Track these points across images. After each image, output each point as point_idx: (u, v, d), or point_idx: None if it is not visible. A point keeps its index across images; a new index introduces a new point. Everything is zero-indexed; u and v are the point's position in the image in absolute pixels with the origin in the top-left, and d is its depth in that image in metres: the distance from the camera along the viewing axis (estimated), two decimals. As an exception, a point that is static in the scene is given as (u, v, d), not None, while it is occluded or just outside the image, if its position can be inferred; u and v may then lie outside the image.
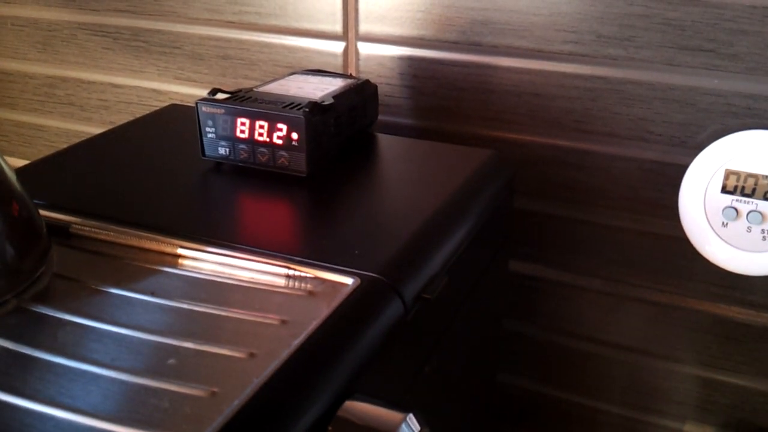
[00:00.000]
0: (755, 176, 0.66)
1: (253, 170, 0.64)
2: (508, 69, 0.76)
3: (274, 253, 0.49)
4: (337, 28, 0.82)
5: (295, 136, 0.60)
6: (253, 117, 0.61)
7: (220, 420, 0.35)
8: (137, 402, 0.36)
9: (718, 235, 0.69)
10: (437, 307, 0.52)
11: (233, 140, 0.63)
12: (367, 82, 0.72)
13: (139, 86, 0.97)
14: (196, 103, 0.63)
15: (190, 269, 0.49)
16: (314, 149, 0.62)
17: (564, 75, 0.73)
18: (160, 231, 0.52)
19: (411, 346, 0.49)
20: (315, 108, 0.61)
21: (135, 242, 0.52)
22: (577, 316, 0.83)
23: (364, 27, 0.80)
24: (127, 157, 0.68)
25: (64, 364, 0.39)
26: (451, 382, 0.62)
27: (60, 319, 0.43)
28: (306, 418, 0.36)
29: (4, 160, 0.48)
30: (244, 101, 0.63)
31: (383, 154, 0.70)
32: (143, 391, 0.37)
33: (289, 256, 0.49)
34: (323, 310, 0.43)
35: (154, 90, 0.96)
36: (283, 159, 0.62)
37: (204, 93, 0.89)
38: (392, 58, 0.80)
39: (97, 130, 1.03)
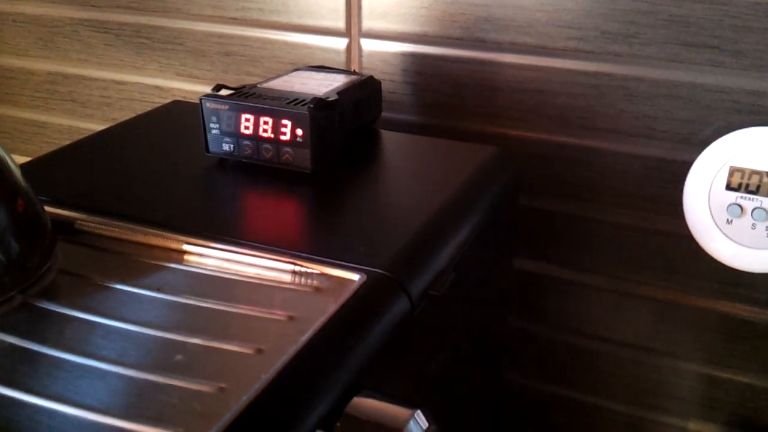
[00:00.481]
0: (760, 173, 0.66)
1: (257, 166, 0.64)
2: (512, 65, 0.75)
3: (280, 249, 0.49)
4: (340, 24, 0.81)
5: (299, 132, 0.60)
6: (258, 113, 0.61)
7: (228, 416, 0.35)
8: (146, 398, 0.36)
9: (723, 232, 0.68)
10: (443, 303, 0.52)
11: (237, 136, 0.63)
12: (370, 78, 0.72)
13: (141, 83, 0.97)
14: (200, 99, 0.63)
15: (196, 265, 0.49)
16: (319, 145, 0.62)
17: (568, 72, 0.73)
18: (166, 227, 0.52)
19: (417, 342, 0.49)
20: (319, 104, 0.61)
21: (140, 238, 0.51)
22: (582, 313, 0.83)
23: (367, 23, 0.80)
24: (130, 153, 0.68)
25: (71, 360, 0.39)
26: (456, 379, 0.62)
27: (67, 316, 0.43)
28: (314, 414, 0.36)
29: (9, 156, 0.48)
30: (248, 97, 0.63)
31: (387, 150, 0.70)
32: (151, 388, 0.37)
33: (295, 253, 0.49)
34: (330, 306, 0.43)
35: (156, 86, 0.96)
36: (287, 155, 0.61)
37: (206, 89, 0.92)
38: (395, 54, 0.80)
39: (99, 127, 1.02)
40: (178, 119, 0.77)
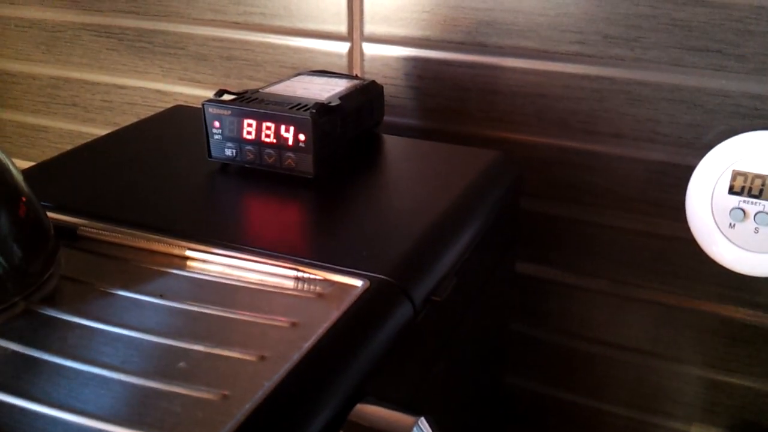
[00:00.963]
0: (763, 177, 0.65)
1: (259, 171, 0.63)
2: (514, 70, 0.75)
3: (283, 255, 0.49)
4: (342, 28, 0.81)
5: (302, 137, 0.60)
6: (260, 118, 0.61)
7: (231, 424, 0.34)
8: (148, 406, 0.36)
9: (726, 236, 0.68)
10: (446, 309, 0.52)
11: (240, 141, 0.63)
12: (373, 82, 0.72)
13: (143, 87, 0.97)
14: (203, 105, 0.63)
15: (198, 271, 0.49)
16: (321, 150, 0.61)
17: (570, 76, 0.73)
18: (168, 233, 0.52)
19: (420, 348, 0.49)
20: (322, 109, 0.61)
21: (143, 244, 0.51)
22: (584, 317, 0.82)
23: (369, 28, 0.80)
24: (133, 158, 0.67)
25: (74, 367, 0.39)
26: (458, 384, 0.61)
27: (69, 322, 0.43)
28: (317, 422, 0.36)
29: (12, 162, 0.48)
30: (250, 102, 0.63)
31: (389, 155, 0.70)
32: (154, 395, 0.37)
33: (297, 258, 0.49)
34: (333, 313, 0.43)
35: (158, 91, 0.96)
36: (290, 160, 0.61)
37: (208, 94, 0.92)
38: (397, 58, 0.80)
39: (100, 131, 1.03)
40: (181, 124, 0.77)
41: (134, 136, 0.74)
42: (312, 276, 0.47)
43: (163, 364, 0.39)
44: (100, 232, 0.53)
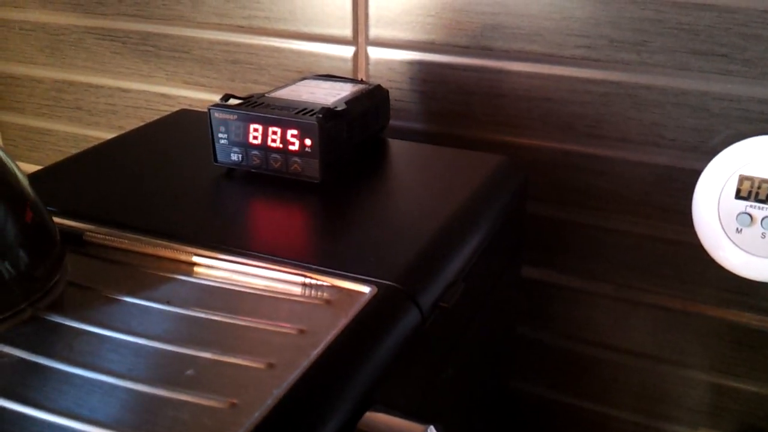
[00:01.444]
0: (769, 181, 0.65)
1: (265, 176, 0.63)
2: (520, 74, 0.75)
3: (290, 261, 0.49)
4: (347, 32, 0.81)
5: (308, 142, 0.60)
6: (266, 123, 0.61)
7: (240, 432, 0.34)
8: (156, 414, 0.36)
9: (732, 241, 0.68)
10: (453, 314, 0.51)
11: (246, 146, 0.62)
12: (378, 87, 0.71)
13: (147, 90, 0.97)
14: (209, 109, 0.63)
15: (204, 277, 0.49)
16: (327, 155, 0.61)
17: (576, 80, 0.73)
18: (174, 238, 0.52)
19: (427, 354, 0.49)
20: (328, 114, 0.61)
21: (149, 250, 0.51)
22: (589, 321, 0.82)
23: (374, 31, 0.80)
24: (138, 162, 0.67)
25: (81, 374, 0.39)
26: (465, 390, 0.61)
27: (76, 329, 0.43)
28: (326, 430, 0.36)
29: (17, 166, 0.48)
30: (256, 107, 0.62)
31: (395, 159, 0.70)
32: (162, 403, 0.37)
33: (304, 264, 0.48)
34: (341, 320, 0.43)
35: (162, 94, 0.96)
36: (296, 165, 0.61)
37: (213, 97, 0.92)
38: (402, 62, 0.80)
39: (104, 135, 1.03)
40: (186, 128, 0.77)
41: (140, 140, 0.74)
42: (319, 282, 0.47)
43: (171, 371, 0.39)
44: (106, 237, 0.53)
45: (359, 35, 0.81)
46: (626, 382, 0.83)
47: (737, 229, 0.67)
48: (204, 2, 0.87)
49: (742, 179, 0.66)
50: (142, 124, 0.95)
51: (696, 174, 0.69)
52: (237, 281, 0.48)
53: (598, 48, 0.71)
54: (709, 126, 0.70)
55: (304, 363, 0.39)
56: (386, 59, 0.81)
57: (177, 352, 0.40)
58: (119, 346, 0.41)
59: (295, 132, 0.60)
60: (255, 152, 0.62)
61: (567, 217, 0.79)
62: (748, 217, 0.66)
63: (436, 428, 0.37)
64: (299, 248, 0.52)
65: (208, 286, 0.48)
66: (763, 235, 0.67)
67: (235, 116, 0.62)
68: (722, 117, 0.69)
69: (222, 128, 0.63)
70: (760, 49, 0.65)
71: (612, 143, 0.74)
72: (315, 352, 0.39)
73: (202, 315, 0.44)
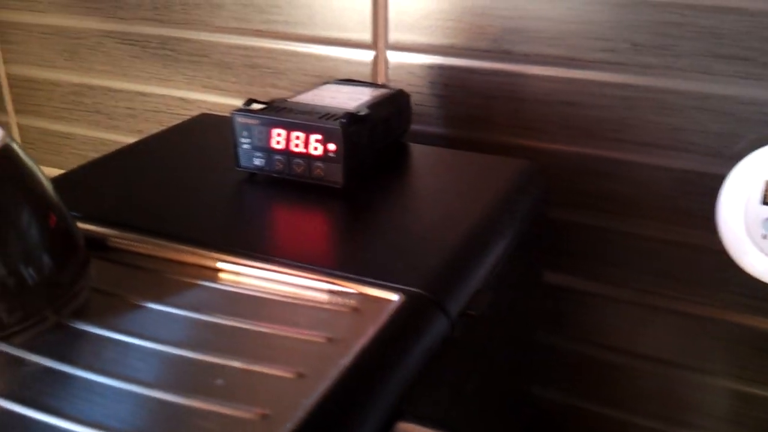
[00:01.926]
0: (796, 187, 0.65)
1: (287, 181, 0.63)
2: (540, 77, 0.75)
3: (316, 268, 0.48)
4: (367, 36, 0.81)
5: (331, 147, 0.60)
6: (289, 128, 0.61)
7: (272, 444, 0.34)
8: (187, 425, 0.35)
9: (758, 247, 0.67)
10: (479, 322, 0.51)
11: (269, 151, 0.62)
12: (400, 91, 0.71)
13: (166, 95, 0.97)
14: (232, 114, 0.63)
15: (230, 284, 0.48)
16: (351, 160, 0.61)
17: (598, 83, 0.72)
18: (199, 244, 0.52)
19: (454, 363, 0.48)
20: (352, 119, 0.60)
21: (174, 255, 0.51)
22: (609, 327, 0.82)
23: (394, 36, 0.80)
24: (161, 167, 0.67)
25: (108, 383, 0.39)
26: (490, 398, 0.61)
27: (101, 336, 0.43)
28: (358, 441, 0.35)
29: (40, 170, 0.48)
30: (279, 112, 0.62)
31: (417, 164, 0.70)
32: (191, 413, 0.36)
33: (331, 271, 0.48)
34: (369, 328, 0.42)
35: (181, 98, 0.96)
36: (318, 170, 0.61)
37: (232, 102, 0.92)
38: (422, 66, 0.80)
39: (124, 139, 1.03)
40: (207, 132, 0.77)
41: (161, 144, 0.74)
42: (346, 289, 0.47)
43: (200, 380, 0.38)
44: (131, 243, 0.52)
45: (379, 39, 0.81)
46: (646, 389, 0.83)
47: (763, 235, 0.67)
48: (223, 6, 0.87)
49: (769, 185, 0.66)
50: (160, 127, 0.95)
51: (719, 179, 0.69)
52: (263, 288, 0.48)
53: (620, 52, 0.70)
54: (732, 130, 0.69)
55: (334, 372, 0.38)
56: (406, 63, 0.80)
57: (205, 361, 0.40)
58: (146, 354, 0.41)
59: (318, 137, 0.60)
60: (278, 157, 0.62)
61: (587, 222, 0.78)
62: (774, 222, 0.66)
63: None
64: (324, 254, 0.51)
65: (234, 292, 0.47)
66: (789, 241, 0.66)
67: (258, 121, 0.62)
68: (746, 121, 0.68)
69: (245, 133, 0.62)
70: (785, 53, 0.65)
71: (634, 148, 0.73)
72: (344, 362, 0.39)
73: (229, 322, 0.44)
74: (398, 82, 0.81)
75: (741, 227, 0.67)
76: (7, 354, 0.42)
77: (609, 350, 0.83)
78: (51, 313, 0.45)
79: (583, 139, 0.75)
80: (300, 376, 0.38)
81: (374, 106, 0.65)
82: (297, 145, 0.61)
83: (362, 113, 0.62)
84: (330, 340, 0.42)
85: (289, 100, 0.66)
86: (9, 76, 1.09)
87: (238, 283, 0.49)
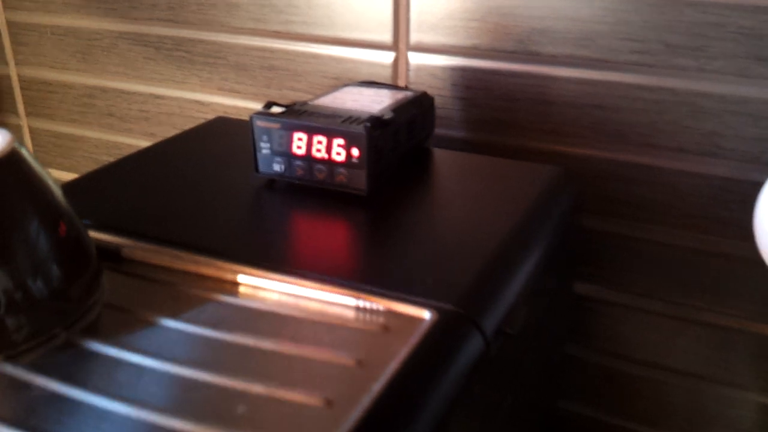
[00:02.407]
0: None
1: (309, 188, 0.61)
2: (569, 80, 0.73)
3: (341, 281, 0.46)
4: (387, 37, 0.80)
5: (355, 152, 0.58)
6: (311, 132, 0.59)
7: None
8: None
9: (799, 258, 0.64)
10: (515, 339, 0.48)
11: (289, 156, 0.60)
12: (424, 94, 0.69)
13: (181, 97, 0.96)
14: (251, 117, 0.61)
15: (251, 299, 0.46)
16: (375, 166, 0.59)
17: (629, 86, 0.71)
18: (218, 255, 0.50)
19: (490, 383, 0.46)
20: (377, 122, 0.58)
21: (191, 267, 0.49)
22: (637, 339, 0.80)
23: (416, 36, 0.78)
24: (176, 172, 0.65)
25: (120, 411, 0.36)
26: (522, 415, 0.58)
27: (114, 357, 0.40)
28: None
29: (49, 175, 0.45)
30: (300, 115, 0.60)
31: (443, 170, 0.67)
32: (212, 444, 0.34)
33: (357, 285, 0.46)
34: (401, 349, 0.39)
35: (196, 101, 0.95)
36: (341, 176, 0.59)
37: (248, 105, 0.91)
38: (444, 68, 0.78)
39: (137, 142, 1.02)
40: (224, 136, 0.75)
41: (177, 148, 0.72)
42: (375, 306, 0.44)
43: (221, 407, 0.36)
44: (146, 253, 0.50)
45: (400, 40, 0.79)
46: (674, 403, 0.81)
47: (804, 245, 0.64)
48: (239, 7, 0.86)
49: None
50: (175, 131, 0.97)
51: (756, 186, 0.67)
52: (286, 303, 0.45)
53: (653, 53, 0.69)
54: (770, 135, 0.67)
55: (365, 400, 0.35)
56: (428, 65, 0.79)
57: (225, 386, 0.37)
58: (162, 377, 0.38)
59: (341, 142, 0.58)
60: (299, 162, 0.60)
61: (617, 230, 0.77)
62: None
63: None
64: (349, 267, 0.49)
65: (256, 308, 0.45)
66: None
67: (279, 125, 0.60)
68: (785, 126, 0.66)
69: (264, 137, 0.61)
70: (828, 55, 0.62)
71: (666, 153, 0.72)
72: (376, 388, 0.36)
73: (250, 342, 0.41)
74: (419, 85, 0.80)
75: (781, 237, 0.65)
76: (13, 376, 0.39)
77: (636, 363, 0.81)
78: (60, 330, 0.42)
79: (613, 144, 0.73)
80: (329, 404, 0.36)
81: (398, 109, 0.63)
82: (319, 150, 0.59)
83: (387, 117, 0.60)
84: (359, 362, 0.39)
85: (309, 102, 0.64)
86: (21, 78, 1.08)
87: (260, 298, 0.46)
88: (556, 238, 0.59)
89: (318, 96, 0.67)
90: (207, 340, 0.41)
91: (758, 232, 0.66)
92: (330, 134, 0.58)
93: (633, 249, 0.76)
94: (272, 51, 0.86)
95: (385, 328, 0.42)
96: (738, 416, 0.78)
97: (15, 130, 1.12)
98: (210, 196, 0.60)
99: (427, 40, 0.78)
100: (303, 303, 0.45)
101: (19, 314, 0.41)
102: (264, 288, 0.47)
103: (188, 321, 0.43)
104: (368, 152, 0.58)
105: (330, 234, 0.55)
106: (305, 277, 0.47)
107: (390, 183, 0.63)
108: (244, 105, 0.91)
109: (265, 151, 0.61)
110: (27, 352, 0.41)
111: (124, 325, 0.43)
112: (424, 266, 0.49)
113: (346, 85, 0.72)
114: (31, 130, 1.11)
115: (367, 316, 0.43)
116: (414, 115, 0.66)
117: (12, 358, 0.40)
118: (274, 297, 0.46)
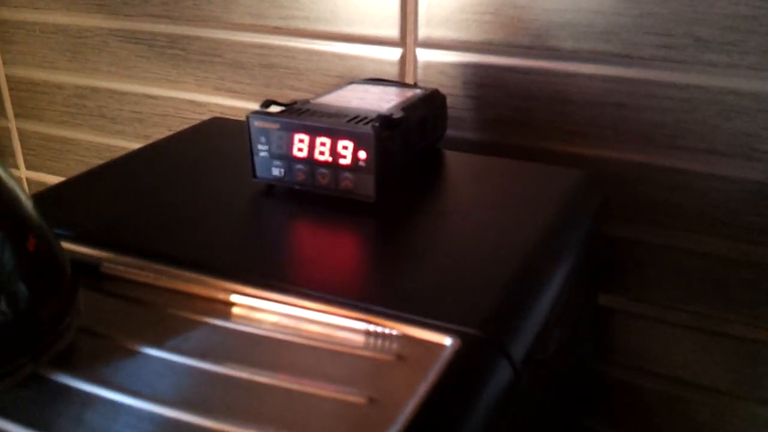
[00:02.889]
0: None
1: (311, 194, 0.58)
2: (590, 77, 0.71)
3: (349, 302, 0.42)
4: (394, 33, 0.78)
5: (362, 155, 0.54)
6: (314, 133, 0.56)
7: None
8: None
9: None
10: (547, 365, 0.44)
11: (289, 159, 0.57)
12: (435, 91, 0.66)
13: (175, 97, 0.95)
14: (247, 117, 0.58)
15: (246, 322, 0.42)
16: (384, 170, 0.56)
17: (655, 83, 0.68)
18: (209, 271, 0.46)
19: (519, 415, 0.41)
20: (385, 122, 0.55)
21: (179, 286, 0.45)
22: (662, 353, 0.78)
23: (424, 32, 0.76)
24: (167, 178, 0.63)
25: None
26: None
27: (87, 394, 0.35)
28: None
29: (18, 184, 0.41)
30: (302, 114, 0.57)
31: (456, 174, 0.64)
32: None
33: (367, 306, 0.41)
34: (420, 384, 0.35)
35: (191, 101, 0.94)
36: (347, 181, 0.56)
37: (246, 104, 0.90)
38: (455, 65, 0.76)
39: (130, 144, 1.02)
40: (219, 138, 0.73)
41: (167, 151, 0.69)
42: (387, 330, 0.39)
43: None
44: (128, 269, 0.46)
45: (407, 36, 0.77)
46: (703, 422, 0.79)
47: None
48: (237, 2, 0.85)
49: None
50: (169, 132, 0.97)
51: None
52: (286, 327, 0.41)
53: (682, 48, 0.66)
54: (810, 136, 0.65)
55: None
56: (437, 62, 0.77)
57: (215, 430, 0.32)
58: (142, 419, 0.33)
59: (347, 143, 0.55)
60: (300, 166, 0.57)
61: (641, 237, 0.74)
62: None
63: None
64: (359, 286, 0.45)
65: (250, 334, 0.40)
66: None
67: (278, 125, 0.56)
68: (824, 126, 0.64)
69: (262, 139, 0.58)
70: None
71: (695, 155, 0.69)
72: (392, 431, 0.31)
73: (246, 375, 0.36)
74: (428, 83, 0.78)
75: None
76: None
77: (661, 378, 0.79)
78: (27, 360, 0.38)
79: (638, 146, 0.71)
80: (336, 452, 0.31)
81: (408, 108, 0.60)
82: (322, 153, 0.56)
83: (397, 116, 0.57)
84: (372, 400, 0.34)
85: (312, 101, 0.61)
86: (9, 78, 1.08)
87: (256, 321, 0.42)
88: (584, 249, 0.56)
89: (321, 94, 0.64)
90: (194, 372, 0.37)
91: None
92: (334, 135, 0.55)
93: (658, 258, 0.74)
94: (272, 48, 0.85)
95: (400, 357, 0.37)
96: (766, 434, 0.76)
97: (3, 133, 1.12)
98: (201, 204, 0.57)
99: (436, 35, 0.76)
100: (305, 327, 0.41)
101: (-23, 341, 0.36)
102: (260, 309, 0.43)
103: (173, 350, 0.39)
104: (377, 155, 0.54)
105: (335, 247, 0.51)
106: (307, 296, 0.43)
107: (400, 189, 0.60)
108: (242, 105, 0.90)
109: (262, 154, 0.58)
110: (-14, 387, 0.36)
111: (101, 354, 0.39)
112: (442, 284, 0.45)
113: (351, 82, 0.69)
114: (20, 132, 1.11)
115: (379, 342, 0.39)
116: (425, 115, 0.63)
117: (-33, 395, 0.36)
118: (272, 320, 0.42)
